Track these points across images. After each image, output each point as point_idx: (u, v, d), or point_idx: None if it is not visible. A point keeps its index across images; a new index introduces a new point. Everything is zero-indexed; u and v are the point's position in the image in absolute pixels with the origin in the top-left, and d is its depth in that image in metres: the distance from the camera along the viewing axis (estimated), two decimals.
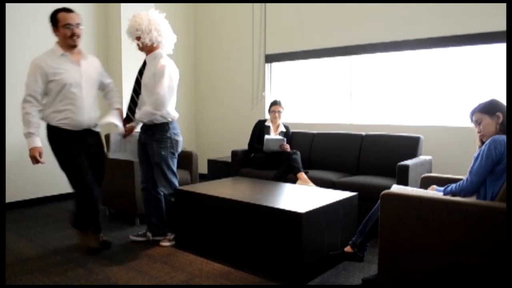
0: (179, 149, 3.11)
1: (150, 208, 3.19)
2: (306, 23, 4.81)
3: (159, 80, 2.86)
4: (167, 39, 3.00)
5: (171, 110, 3.00)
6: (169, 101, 2.93)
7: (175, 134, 3.04)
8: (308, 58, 4.86)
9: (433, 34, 3.93)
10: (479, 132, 2.18)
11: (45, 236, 3.37)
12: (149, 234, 3.23)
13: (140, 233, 3.28)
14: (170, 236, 3.18)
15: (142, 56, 3.09)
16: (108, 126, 5.16)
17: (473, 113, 2.21)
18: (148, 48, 2.98)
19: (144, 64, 3.04)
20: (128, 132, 3.09)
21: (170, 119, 3.00)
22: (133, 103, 3.04)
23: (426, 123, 4.10)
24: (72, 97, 2.75)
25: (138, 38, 2.92)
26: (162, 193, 3.14)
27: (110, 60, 4.89)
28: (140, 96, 3.00)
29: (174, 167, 3.08)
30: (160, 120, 2.95)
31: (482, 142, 2.15)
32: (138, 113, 2.97)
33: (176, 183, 3.10)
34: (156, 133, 2.98)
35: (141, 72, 3.03)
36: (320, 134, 4.42)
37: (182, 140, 3.15)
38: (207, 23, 5.85)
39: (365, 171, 3.94)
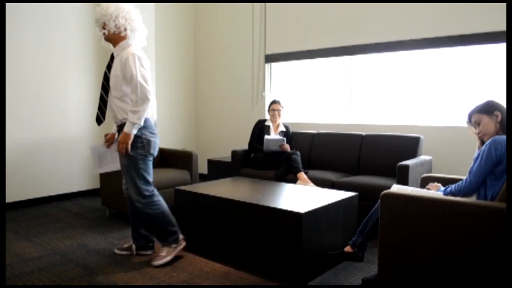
0: (154, 152, 2.70)
1: (134, 217, 2.85)
2: (306, 23, 4.81)
3: (131, 70, 2.50)
4: (137, 30, 2.69)
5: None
6: (149, 91, 2.53)
7: (150, 133, 2.64)
8: (308, 58, 4.86)
9: (432, 34, 3.93)
10: (479, 133, 2.18)
11: (45, 236, 3.37)
12: (133, 246, 2.91)
13: (125, 246, 2.97)
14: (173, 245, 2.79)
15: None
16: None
17: (471, 115, 2.22)
18: (115, 38, 2.65)
19: (112, 58, 2.72)
20: (109, 141, 2.83)
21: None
22: (103, 102, 2.81)
23: (426, 123, 4.10)
24: None
25: (104, 26, 2.61)
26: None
27: None
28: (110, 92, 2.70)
29: (146, 172, 2.66)
30: None
31: (482, 143, 2.15)
32: (132, 117, 2.50)
33: (146, 190, 2.66)
34: None
35: (109, 67, 2.72)
36: (320, 134, 4.42)
37: (158, 142, 2.74)
38: (207, 23, 5.85)
39: (365, 171, 3.94)
